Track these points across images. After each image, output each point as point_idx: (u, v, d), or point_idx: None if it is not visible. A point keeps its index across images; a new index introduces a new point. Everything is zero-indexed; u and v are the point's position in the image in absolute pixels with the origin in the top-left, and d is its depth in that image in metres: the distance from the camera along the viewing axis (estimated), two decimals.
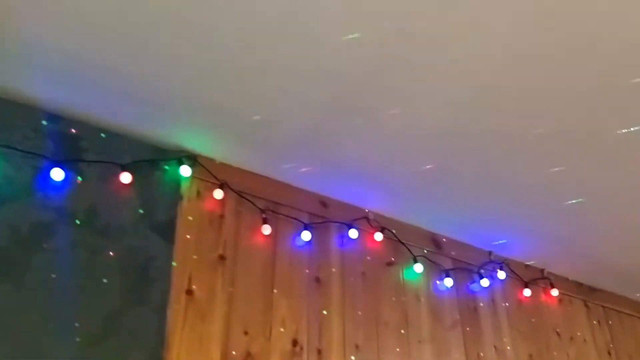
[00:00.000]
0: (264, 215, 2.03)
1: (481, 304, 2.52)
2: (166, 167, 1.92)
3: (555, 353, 2.64)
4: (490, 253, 2.68)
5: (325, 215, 2.23)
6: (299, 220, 2.12)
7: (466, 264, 2.57)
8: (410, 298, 2.30)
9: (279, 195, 2.13)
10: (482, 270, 2.60)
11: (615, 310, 3.09)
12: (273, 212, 2.09)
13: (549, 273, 2.86)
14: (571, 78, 1.70)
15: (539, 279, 2.81)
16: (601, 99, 1.77)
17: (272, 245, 2.03)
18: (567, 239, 2.62)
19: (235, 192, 2.02)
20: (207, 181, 1.98)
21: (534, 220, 2.46)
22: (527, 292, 2.71)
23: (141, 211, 1.79)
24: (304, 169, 2.11)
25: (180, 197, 1.90)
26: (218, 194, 1.96)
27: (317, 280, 2.08)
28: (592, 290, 3.05)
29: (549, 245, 2.70)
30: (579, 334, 2.82)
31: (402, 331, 2.19)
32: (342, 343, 2.01)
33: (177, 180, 1.92)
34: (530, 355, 2.54)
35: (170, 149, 1.96)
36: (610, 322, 3.03)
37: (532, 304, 2.72)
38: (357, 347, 2.04)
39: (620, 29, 1.54)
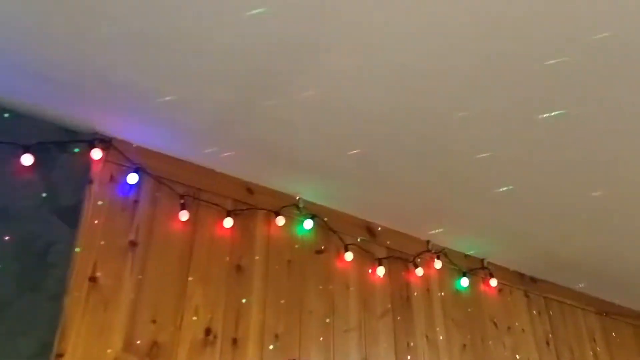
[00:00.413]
0: (182, 201, 1.96)
1: (415, 294, 2.48)
2: (76, 150, 1.84)
3: (490, 343, 2.62)
4: (428, 242, 2.64)
5: (251, 202, 2.16)
6: (222, 207, 2.06)
7: (402, 253, 2.53)
8: (339, 287, 2.25)
9: (201, 181, 2.06)
10: (418, 260, 2.56)
11: (557, 300, 3.08)
12: (194, 198, 2.02)
13: (489, 263, 2.83)
14: (486, 59, 1.64)
15: (478, 268, 2.78)
16: (519, 81, 1.72)
17: (190, 232, 1.96)
18: (503, 229, 2.58)
19: (153, 177, 1.95)
20: (122, 165, 1.91)
21: (468, 209, 2.42)
22: (464, 282, 2.67)
23: (44, 195, 1.71)
24: (226, 154, 2.04)
25: (89, 181, 1.82)
26: (132, 178, 1.89)
27: (238, 268, 2.01)
28: (533, 280, 3.03)
29: (486, 235, 2.66)
30: (517, 324, 2.80)
31: (328, 320, 2.14)
32: (261, 332, 1.95)
33: (87, 163, 1.84)
34: (464, 345, 2.51)
35: (83, 131, 1.87)
36: (551, 312, 3.01)
37: (469, 294, 2.69)
38: (276, 336, 1.98)
39: (534, 10, 1.49)
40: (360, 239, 2.43)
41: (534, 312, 2.93)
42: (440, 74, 1.70)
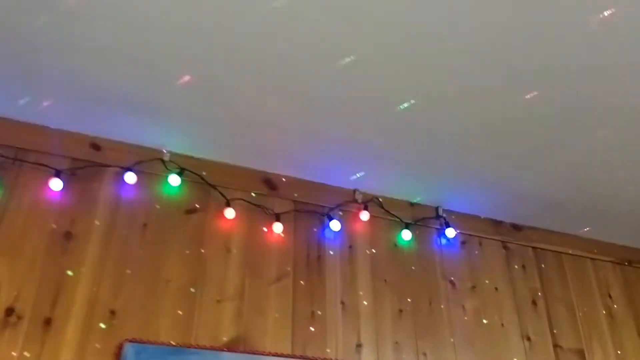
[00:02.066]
0: None
1: (330, 252, 2.00)
2: None
3: (442, 306, 2.07)
4: (355, 191, 2.15)
5: (97, 160, 1.81)
6: (51, 168, 1.72)
7: (314, 206, 2.06)
8: (216, 250, 1.83)
9: (23, 139, 1.73)
10: (339, 212, 2.09)
11: (553, 251, 2.44)
12: (15, 159, 1.70)
13: (446, 211, 2.28)
14: None
15: (430, 218, 2.24)
16: None
17: (1, 199, 1.64)
18: (440, 165, 2.02)
19: None
20: None
21: (377, 140, 1.90)
22: (406, 235, 2.15)
23: None
24: (46, 103, 1.71)
25: None
26: None
27: (68, 236, 1.66)
28: (516, 228, 2.42)
29: (428, 175, 2.12)
30: (487, 281, 2.22)
31: (193, 290, 1.73)
32: (90, 309, 1.58)
33: None
34: (400, 311, 1.99)
35: None
36: (543, 265, 2.39)
37: (415, 250, 2.15)
38: (112, 312, 1.60)
39: None
40: (256, 194, 2.00)
41: (516, 266, 2.32)
42: None
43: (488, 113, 1.78)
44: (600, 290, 2.45)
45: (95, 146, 1.83)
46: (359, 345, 1.85)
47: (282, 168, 2.05)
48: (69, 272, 1.61)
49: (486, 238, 2.33)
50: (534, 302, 2.25)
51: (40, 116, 1.75)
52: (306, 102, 1.72)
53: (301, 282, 1.89)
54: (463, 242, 2.27)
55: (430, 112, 1.76)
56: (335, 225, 2.02)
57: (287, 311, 1.81)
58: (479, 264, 2.25)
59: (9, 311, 1.50)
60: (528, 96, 1.69)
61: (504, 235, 2.38)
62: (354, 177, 2.10)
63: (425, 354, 1.93)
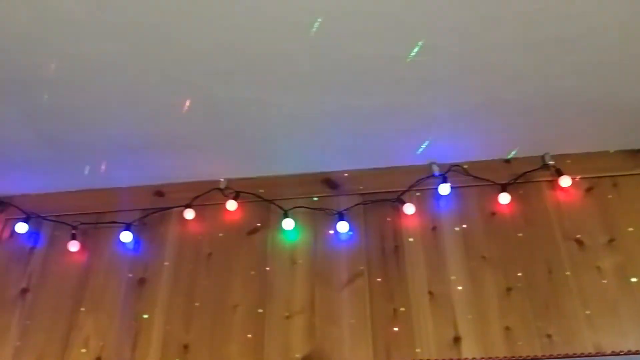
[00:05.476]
0: (73, 232, 1.82)
1: (410, 239, 1.73)
2: None
3: (568, 273, 1.61)
4: (431, 165, 1.85)
5: (161, 205, 1.87)
6: (121, 223, 1.82)
7: (384, 194, 1.82)
8: (281, 265, 1.72)
9: (100, 204, 1.89)
10: (416, 193, 1.81)
11: None
12: (97, 223, 1.85)
13: (556, 157, 1.82)
14: None
15: (534, 171, 1.81)
16: None
17: (83, 260, 1.79)
18: (524, 96, 1.63)
19: (43, 217, 1.87)
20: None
21: (422, 98, 1.61)
22: (504, 199, 1.76)
23: None
24: (103, 167, 1.83)
25: None
26: (21, 227, 1.84)
27: (142, 281, 1.72)
28: None
29: (518, 120, 1.71)
30: (631, 229, 1.68)
31: (260, 310, 1.64)
32: (164, 346, 1.59)
33: None
34: (508, 289, 1.61)
35: None
36: None
37: (520, 213, 1.75)
38: (185, 347, 1.60)
39: None
40: (318, 197, 1.85)
41: None
42: None
43: None
44: None
45: (159, 193, 1.90)
46: (456, 339, 1.54)
47: (339, 164, 1.87)
48: (145, 316, 1.66)
49: (623, 175, 1.79)
50: None
51: (109, 179, 1.89)
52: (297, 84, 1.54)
53: (378, 279, 1.66)
54: (589, 189, 1.78)
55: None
56: (408, 208, 1.76)
57: (364, 314, 1.61)
58: (616, 210, 1.72)
59: None
60: None
61: None
62: (419, 150, 1.81)
63: (549, 336, 1.52)
